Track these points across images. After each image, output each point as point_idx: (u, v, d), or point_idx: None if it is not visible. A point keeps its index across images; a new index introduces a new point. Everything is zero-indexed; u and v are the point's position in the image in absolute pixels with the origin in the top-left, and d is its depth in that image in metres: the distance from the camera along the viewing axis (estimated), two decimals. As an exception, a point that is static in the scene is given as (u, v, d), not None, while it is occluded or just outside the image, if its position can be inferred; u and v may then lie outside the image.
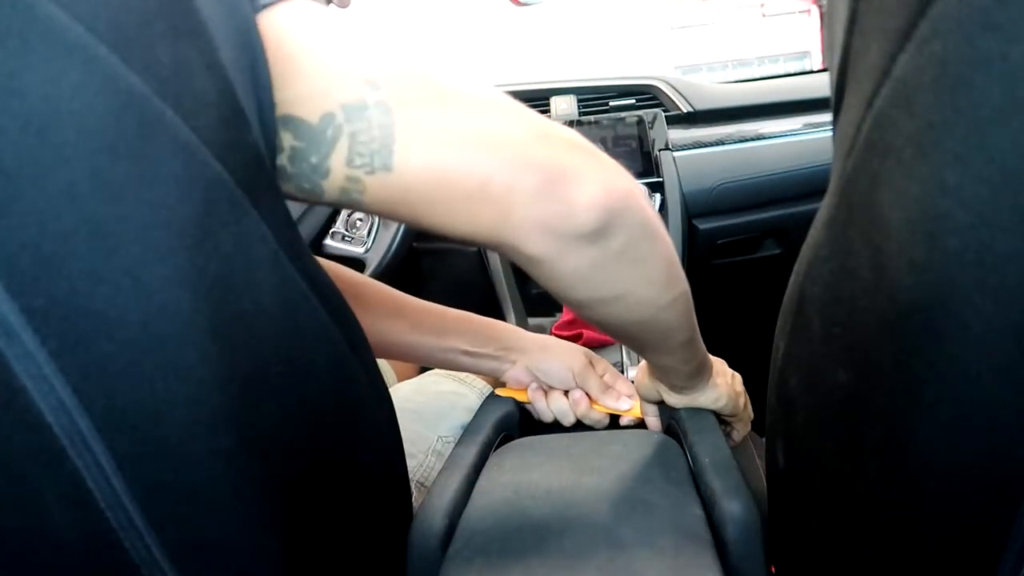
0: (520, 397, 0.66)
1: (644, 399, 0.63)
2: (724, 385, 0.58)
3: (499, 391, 0.68)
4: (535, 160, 0.34)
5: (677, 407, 0.59)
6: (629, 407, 0.64)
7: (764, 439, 0.44)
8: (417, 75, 0.34)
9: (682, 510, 0.46)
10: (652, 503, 0.46)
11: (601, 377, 0.65)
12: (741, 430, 0.64)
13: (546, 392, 0.65)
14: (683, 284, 0.43)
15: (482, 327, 0.65)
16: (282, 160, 0.34)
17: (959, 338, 0.24)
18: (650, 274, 0.40)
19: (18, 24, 0.23)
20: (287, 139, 0.34)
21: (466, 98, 0.35)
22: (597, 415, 0.64)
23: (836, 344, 0.31)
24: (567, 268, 0.37)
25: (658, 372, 0.57)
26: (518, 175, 0.34)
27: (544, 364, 0.64)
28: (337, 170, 0.34)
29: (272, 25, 0.33)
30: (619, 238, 0.36)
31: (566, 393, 0.65)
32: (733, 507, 0.44)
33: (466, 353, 0.64)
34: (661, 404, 0.62)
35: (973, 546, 0.27)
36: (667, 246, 0.41)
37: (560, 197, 0.34)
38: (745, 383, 0.62)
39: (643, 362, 0.60)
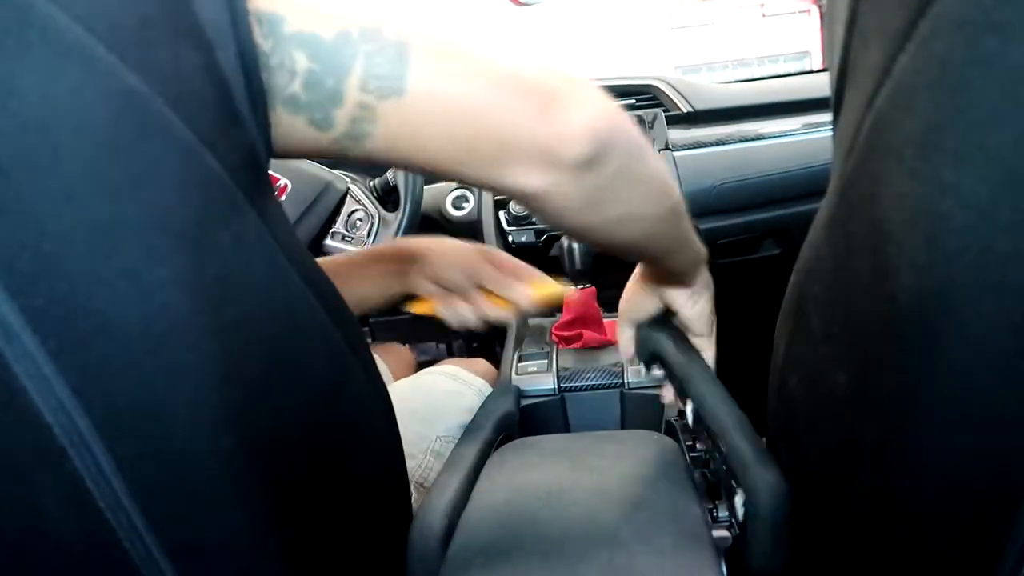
0: (428, 310, 0.64)
1: (635, 318, 0.61)
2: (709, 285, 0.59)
3: (412, 307, 0.65)
4: (532, 86, 0.35)
5: (683, 311, 0.58)
6: (531, 296, 0.60)
7: (764, 439, 0.44)
8: (424, 13, 0.36)
9: (682, 510, 0.46)
10: (652, 503, 0.46)
11: (499, 269, 0.62)
12: (710, 353, 0.62)
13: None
14: (676, 194, 0.45)
15: (387, 247, 0.66)
16: (294, 87, 0.34)
17: (959, 338, 0.24)
18: (647, 191, 0.41)
19: (17, 24, 0.23)
20: (301, 61, 0.34)
21: (467, 35, 0.36)
22: (497, 311, 0.61)
23: (836, 344, 0.31)
24: (570, 197, 0.37)
25: (656, 274, 0.57)
26: (518, 102, 0.35)
27: (440, 270, 0.62)
28: (351, 95, 0.34)
29: None
30: (614, 162, 0.37)
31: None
32: (768, 476, 0.40)
33: (388, 273, 0.64)
34: (643, 330, 0.61)
35: (973, 546, 0.27)
36: (657, 160, 0.42)
37: (556, 121, 0.35)
38: (745, 383, 0.62)
39: (634, 276, 0.59)
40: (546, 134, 0.35)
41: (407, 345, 1.45)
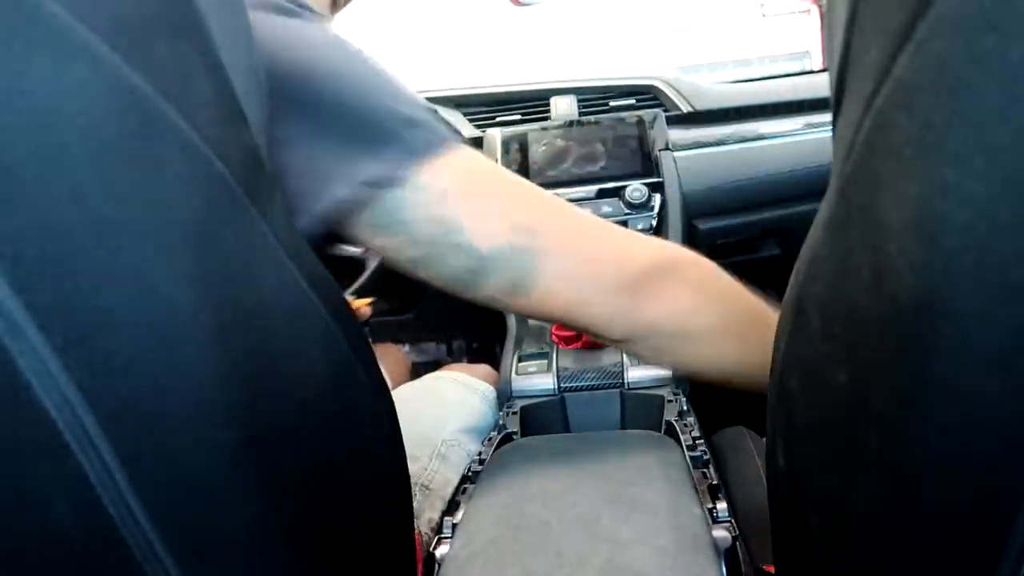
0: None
1: None
2: None
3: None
4: (630, 281, 0.46)
5: None
6: None
7: (764, 439, 0.44)
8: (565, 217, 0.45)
9: (682, 510, 0.46)
10: (652, 503, 0.46)
11: None
12: None
13: None
14: None
15: None
16: (420, 251, 0.45)
17: (959, 339, 0.24)
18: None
19: (22, 24, 0.23)
20: (447, 254, 0.45)
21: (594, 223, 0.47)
22: None
23: (836, 344, 0.31)
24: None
25: None
26: (614, 297, 0.45)
27: None
28: (482, 291, 0.45)
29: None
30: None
31: None
32: None
33: None
34: None
35: (973, 546, 0.27)
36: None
37: (640, 308, 0.46)
38: (745, 383, 0.62)
39: None
40: (628, 318, 0.46)
41: (406, 346, 1.45)
